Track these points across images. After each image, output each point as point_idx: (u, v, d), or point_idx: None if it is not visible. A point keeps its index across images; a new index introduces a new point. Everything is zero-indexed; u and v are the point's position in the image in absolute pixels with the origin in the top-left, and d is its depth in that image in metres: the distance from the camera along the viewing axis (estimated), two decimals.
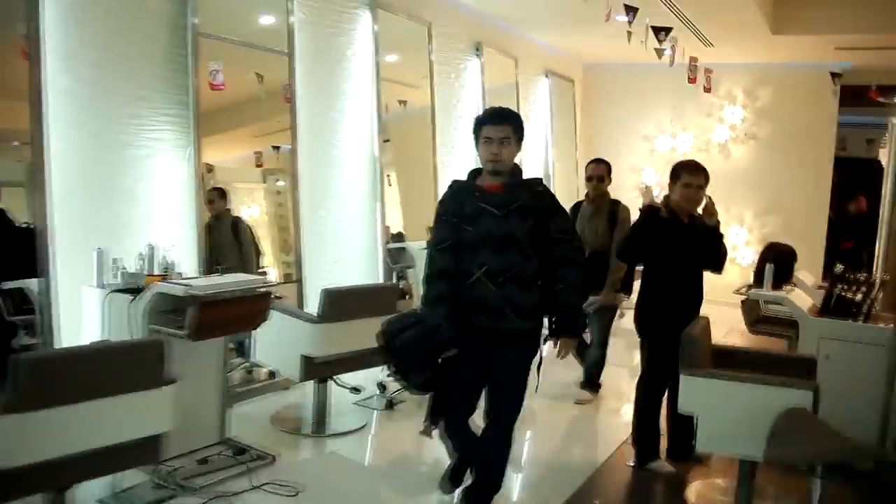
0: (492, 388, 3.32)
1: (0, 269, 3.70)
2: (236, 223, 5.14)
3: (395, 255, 6.22)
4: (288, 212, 5.45)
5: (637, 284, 4.46)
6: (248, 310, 3.74)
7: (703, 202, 4.07)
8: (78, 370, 2.71)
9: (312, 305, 4.68)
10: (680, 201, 4.07)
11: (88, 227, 4.02)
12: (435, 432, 3.48)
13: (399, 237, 6.46)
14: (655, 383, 4.20)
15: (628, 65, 9.75)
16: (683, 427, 4.16)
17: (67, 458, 2.69)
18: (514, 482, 4.05)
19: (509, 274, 3.16)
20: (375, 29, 5.99)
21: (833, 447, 3.17)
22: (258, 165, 5.65)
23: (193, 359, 3.75)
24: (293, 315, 4.39)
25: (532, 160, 8.58)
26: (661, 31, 6.80)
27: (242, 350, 4.89)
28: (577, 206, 5.48)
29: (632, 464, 4.28)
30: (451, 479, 3.59)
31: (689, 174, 4.05)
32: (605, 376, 5.58)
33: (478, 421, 3.46)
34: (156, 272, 3.84)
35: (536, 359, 3.35)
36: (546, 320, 3.36)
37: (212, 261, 4.68)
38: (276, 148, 5.56)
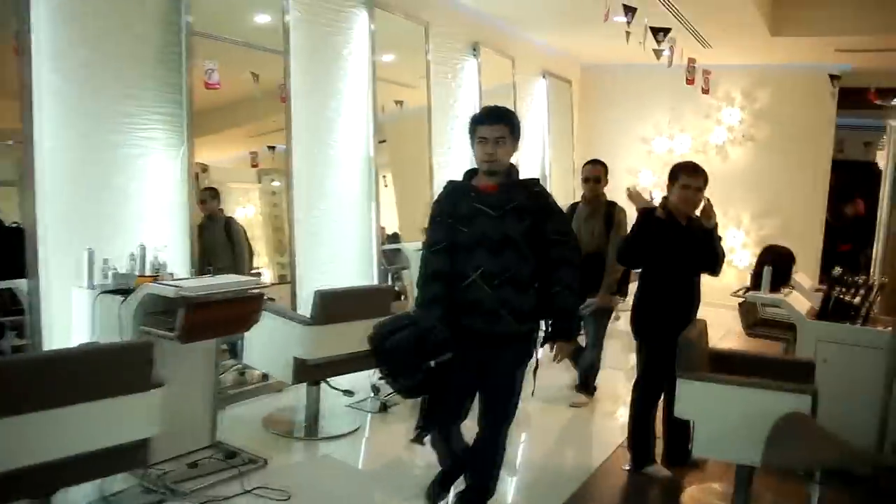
0: (486, 391, 3.27)
1: None
2: (229, 223, 5.09)
3: (391, 257, 6.18)
4: (283, 212, 5.42)
5: (633, 287, 4.42)
6: (240, 311, 3.70)
7: (702, 204, 4.04)
8: (60, 374, 2.65)
9: (306, 307, 4.63)
10: (678, 203, 4.03)
11: (79, 227, 3.97)
12: (426, 439, 3.42)
13: (395, 238, 6.42)
14: (652, 387, 4.16)
15: (626, 66, 9.72)
16: (680, 431, 4.13)
17: (51, 463, 2.64)
18: (509, 486, 4.02)
19: (505, 276, 3.11)
20: (372, 28, 5.95)
21: (832, 453, 3.13)
22: (253, 165, 5.62)
23: (183, 361, 3.71)
24: (285, 317, 4.35)
25: (529, 161, 8.54)
26: (659, 32, 6.77)
27: (235, 351, 4.84)
28: (574, 207, 5.44)
29: (627, 468, 4.24)
30: (441, 484, 3.52)
31: (687, 176, 4.02)
32: (601, 379, 5.55)
33: (471, 425, 3.41)
34: (147, 273, 3.81)
35: (532, 362, 3.31)
36: (542, 323, 3.32)
37: (204, 261, 4.64)
38: (272, 148, 5.53)
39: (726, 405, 3.45)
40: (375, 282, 5.97)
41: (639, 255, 4.12)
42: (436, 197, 3.35)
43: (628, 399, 4.31)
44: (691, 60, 8.38)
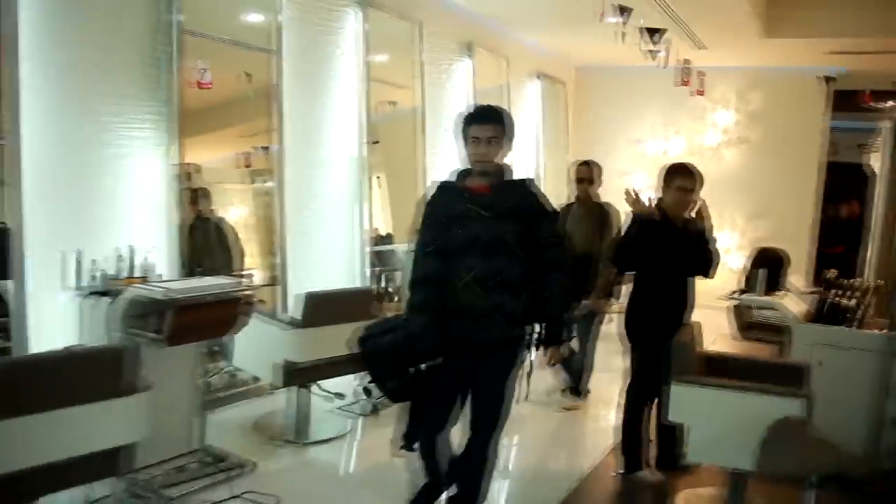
0: (476, 397, 3.21)
1: None
2: (217, 224, 5.03)
3: (383, 258, 6.14)
4: (275, 213, 5.36)
5: (626, 289, 4.38)
6: (225, 314, 3.64)
7: (697, 206, 4.00)
8: (36, 379, 2.60)
9: (296, 309, 4.57)
10: (672, 205, 4.00)
11: (65, 228, 3.91)
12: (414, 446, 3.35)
13: (388, 239, 6.38)
14: (645, 390, 4.12)
15: (620, 67, 9.68)
16: (670, 436, 4.10)
17: (29, 470, 2.58)
18: (498, 492, 3.98)
19: (498, 279, 3.05)
20: (365, 28, 5.90)
21: (827, 459, 3.10)
22: (246, 166, 5.57)
23: (167, 364, 3.64)
24: (272, 320, 4.30)
25: (522, 162, 8.50)
26: (653, 33, 6.73)
27: (223, 354, 4.78)
28: (566, 208, 5.37)
29: (619, 472, 4.20)
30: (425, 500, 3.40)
31: (681, 177, 4.00)
32: (591, 382, 5.50)
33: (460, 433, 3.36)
34: (133, 274, 3.75)
35: (526, 366, 3.26)
36: (532, 327, 3.26)
37: (193, 263, 4.59)
38: (266, 148, 5.46)
39: (720, 410, 3.42)
40: (365, 284, 5.92)
41: (634, 259, 4.08)
42: (425, 198, 3.29)
43: (619, 402, 4.27)
44: (685, 61, 8.34)
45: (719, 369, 3.75)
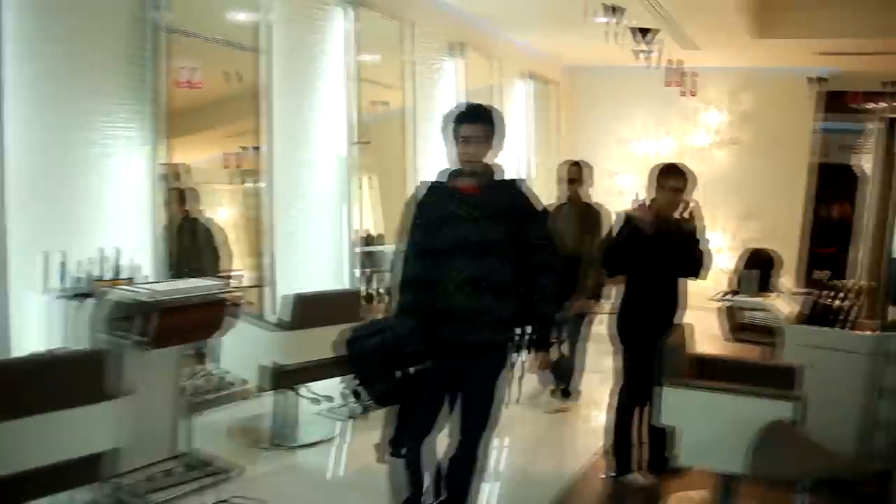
0: (465, 400, 3.15)
1: None
2: (204, 225, 4.97)
3: (373, 259, 6.09)
4: (262, 213, 5.29)
5: (615, 290, 4.33)
6: (208, 316, 3.58)
7: (688, 206, 3.97)
8: (16, 383, 2.54)
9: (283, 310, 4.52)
10: (663, 205, 3.96)
11: (43, 229, 3.84)
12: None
13: (379, 240, 6.33)
14: (634, 393, 4.08)
15: (611, 68, 9.67)
16: (659, 438, 4.06)
17: (8, 476, 2.51)
18: (485, 496, 3.92)
19: (484, 283, 2.99)
20: (353, 27, 5.85)
21: (819, 463, 3.06)
22: (234, 166, 5.50)
23: (152, 367, 3.58)
24: (257, 322, 4.24)
25: (512, 163, 8.46)
26: (644, 33, 6.71)
27: (209, 356, 4.72)
28: (557, 208, 5.32)
29: (607, 475, 4.16)
30: None
31: (673, 178, 3.97)
32: (581, 383, 5.45)
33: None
34: (112, 276, 3.69)
35: (516, 370, 3.19)
36: (521, 330, 3.20)
37: (180, 264, 4.53)
38: (256, 149, 5.38)
39: (712, 412, 3.38)
40: (353, 285, 5.86)
41: (624, 264, 4.05)
42: (412, 198, 3.22)
43: (607, 403, 4.23)
44: (676, 62, 8.33)
45: (710, 371, 3.72)
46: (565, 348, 5.25)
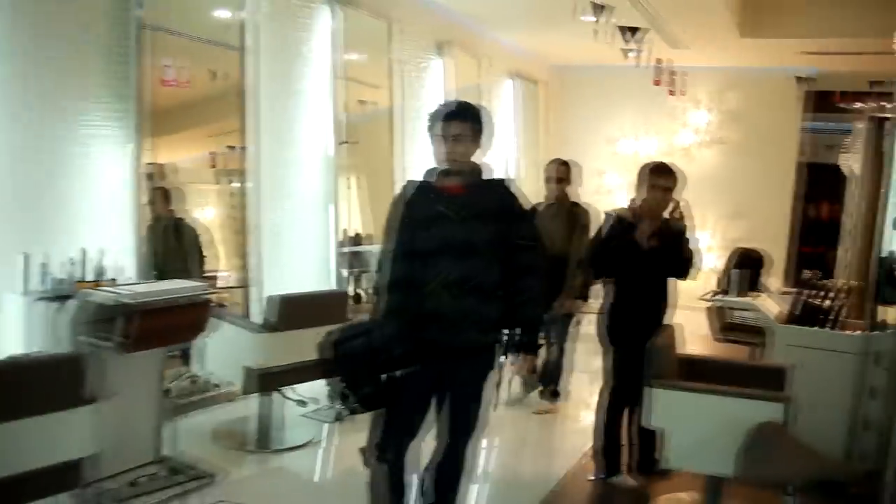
0: (448, 405, 3.08)
1: None
2: (183, 225, 4.90)
3: (356, 259, 6.04)
4: (247, 213, 5.23)
5: (602, 290, 4.29)
6: (187, 319, 3.52)
7: (674, 206, 3.93)
8: None
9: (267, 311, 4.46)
10: (648, 204, 3.92)
11: (17, 229, 3.78)
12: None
13: (364, 240, 6.27)
14: (621, 394, 4.05)
15: (596, 67, 9.64)
16: (647, 440, 4.03)
17: None
18: (470, 499, 3.87)
19: (470, 284, 2.92)
20: (337, 26, 5.79)
21: (810, 467, 3.03)
22: (217, 166, 5.44)
23: (128, 372, 3.51)
24: (238, 324, 4.18)
25: (497, 162, 8.42)
26: (629, 31, 6.68)
27: (191, 358, 4.65)
28: (545, 208, 5.26)
29: (594, 478, 4.13)
30: None
31: (658, 176, 3.93)
32: (565, 384, 5.41)
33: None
34: (90, 278, 3.62)
35: (496, 375, 3.13)
36: (508, 332, 3.15)
37: (162, 265, 4.47)
38: (242, 148, 5.32)
39: (699, 415, 3.35)
40: (334, 286, 5.81)
41: (611, 266, 4.01)
42: (395, 198, 3.16)
43: (592, 404, 4.20)
44: (661, 61, 8.31)
45: (698, 372, 3.68)
46: (554, 350, 5.23)
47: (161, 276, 4.34)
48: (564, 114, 10.27)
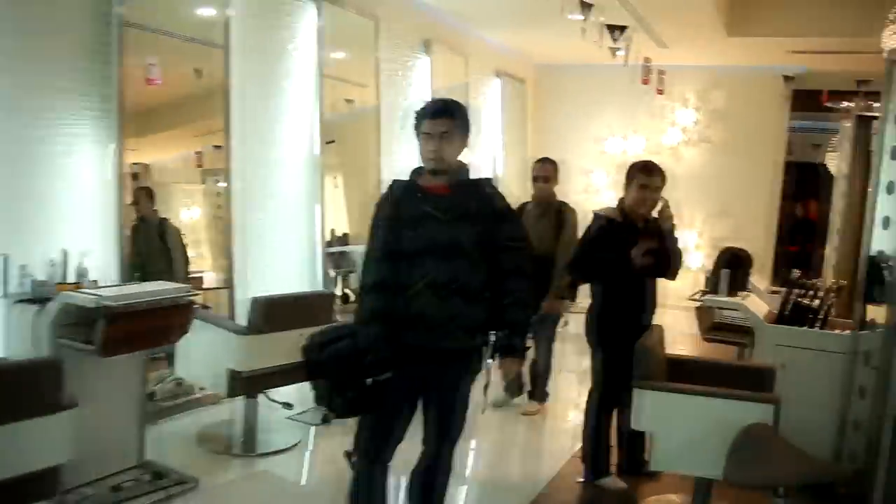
0: (431, 409, 3.02)
1: None
2: (164, 226, 4.83)
3: (339, 259, 5.99)
4: (229, 213, 5.16)
5: (589, 290, 4.26)
6: (166, 322, 3.45)
7: (659, 205, 3.90)
8: None
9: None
10: (634, 204, 3.90)
11: (1, 230, 3.68)
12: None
13: (349, 240, 6.22)
14: (608, 395, 4.01)
15: (581, 66, 9.62)
16: (635, 441, 4.00)
17: None
18: (458, 502, 3.85)
19: (455, 285, 2.85)
20: (322, 23, 5.73)
21: (799, 469, 3.01)
22: (199, 165, 5.38)
23: (107, 375, 3.45)
24: (219, 326, 4.10)
25: (482, 161, 8.39)
26: (615, 30, 6.65)
27: (170, 362, 4.58)
28: (523, 207, 5.22)
29: (581, 480, 4.09)
30: None
31: (644, 175, 3.89)
32: (552, 385, 5.37)
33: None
34: (69, 280, 3.55)
35: (483, 379, 3.08)
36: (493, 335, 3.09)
37: (144, 266, 4.40)
38: (220, 147, 5.26)
39: (687, 416, 3.32)
40: (320, 286, 5.75)
41: (594, 271, 3.98)
42: (382, 197, 3.10)
43: (580, 405, 4.16)
44: (649, 60, 8.29)
45: (686, 373, 3.65)
46: (541, 350, 5.19)
47: (145, 277, 4.26)
48: (551, 112, 10.24)
